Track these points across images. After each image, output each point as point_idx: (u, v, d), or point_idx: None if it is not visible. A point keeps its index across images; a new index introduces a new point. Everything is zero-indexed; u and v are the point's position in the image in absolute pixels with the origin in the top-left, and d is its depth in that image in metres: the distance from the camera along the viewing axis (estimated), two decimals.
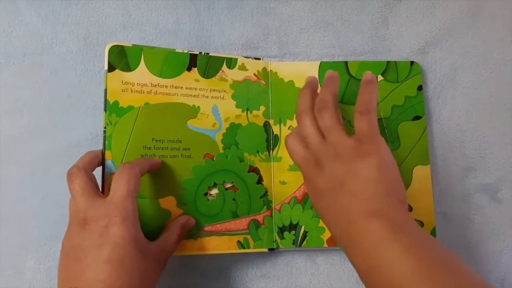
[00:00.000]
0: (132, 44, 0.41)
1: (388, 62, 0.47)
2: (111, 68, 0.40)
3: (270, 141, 0.45)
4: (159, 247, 0.36)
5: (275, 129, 0.45)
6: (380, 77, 0.46)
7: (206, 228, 0.41)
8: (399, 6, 0.50)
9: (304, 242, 0.43)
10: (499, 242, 0.46)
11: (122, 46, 0.41)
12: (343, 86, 0.46)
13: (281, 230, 0.43)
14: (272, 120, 0.45)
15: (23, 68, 0.46)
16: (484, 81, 0.49)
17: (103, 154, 0.39)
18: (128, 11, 0.48)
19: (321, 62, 0.47)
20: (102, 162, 0.39)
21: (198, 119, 0.42)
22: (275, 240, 0.43)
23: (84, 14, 0.47)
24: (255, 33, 0.49)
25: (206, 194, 0.42)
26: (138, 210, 0.35)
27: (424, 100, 0.47)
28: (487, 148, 0.48)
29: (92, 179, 0.36)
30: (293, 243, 0.43)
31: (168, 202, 0.40)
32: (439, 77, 0.49)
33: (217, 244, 0.41)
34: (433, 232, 0.44)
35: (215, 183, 0.42)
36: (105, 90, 0.40)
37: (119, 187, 0.34)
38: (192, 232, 0.41)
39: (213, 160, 0.42)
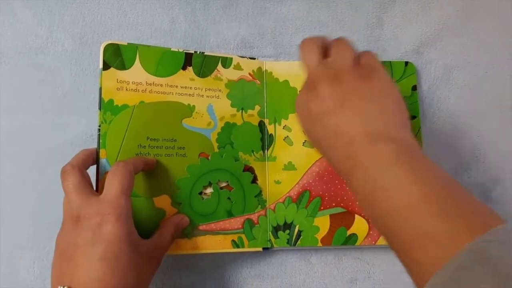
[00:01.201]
0: (128, 43, 0.41)
1: (382, 62, 0.47)
2: (106, 67, 0.40)
3: (265, 141, 0.45)
4: (153, 245, 0.36)
5: (270, 129, 0.45)
6: None
7: (201, 227, 0.41)
8: (394, 6, 0.50)
9: (299, 242, 0.43)
10: None
11: (117, 44, 0.41)
12: None
13: (276, 230, 0.43)
14: (267, 120, 0.45)
15: (18, 67, 0.46)
16: (478, 81, 0.49)
17: (97, 152, 0.39)
18: (123, 10, 0.48)
19: None
20: (97, 161, 0.39)
21: (193, 118, 0.42)
22: (269, 239, 0.43)
23: (79, 14, 0.47)
24: (250, 33, 0.49)
25: (201, 193, 0.42)
26: (132, 208, 0.35)
27: (418, 100, 0.47)
28: (481, 148, 0.48)
29: (86, 177, 0.36)
30: (288, 243, 0.43)
31: (163, 201, 0.40)
32: (434, 77, 0.49)
33: (211, 243, 0.41)
34: None
35: (210, 182, 0.42)
36: (100, 89, 0.40)
37: (113, 185, 0.34)
38: (187, 231, 0.41)
39: (208, 159, 0.42)
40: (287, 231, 0.43)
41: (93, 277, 0.31)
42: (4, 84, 0.46)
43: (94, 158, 0.38)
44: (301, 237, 0.43)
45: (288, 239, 0.43)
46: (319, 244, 0.43)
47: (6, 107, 0.45)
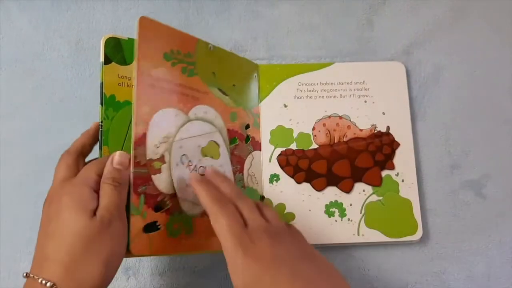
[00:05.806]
0: (128, 38, 0.41)
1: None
2: (107, 61, 0.39)
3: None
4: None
5: None
6: None
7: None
8: (384, 8, 0.51)
9: None
10: (485, 237, 0.47)
11: (118, 38, 0.40)
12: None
13: None
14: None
15: (15, 74, 0.47)
16: (468, 80, 0.50)
17: (100, 147, 0.38)
18: (118, 16, 0.49)
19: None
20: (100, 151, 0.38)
21: None
22: None
23: (74, 20, 0.48)
24: (243, 37, 0.50)
25: None
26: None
27: None
28: (471, 145, 0.49)
29: (76, 163, 0.36)
30: None
31: None
32: (424, 77, 0.50)
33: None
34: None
35: None
36: (102, 83, 0.39)
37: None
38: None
39: None
40: None
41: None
42: (1, 90, 0.46)
43: (93, 139, 0.39)
44: None
45: None
46: None
47: (3, 113, 0.46)
